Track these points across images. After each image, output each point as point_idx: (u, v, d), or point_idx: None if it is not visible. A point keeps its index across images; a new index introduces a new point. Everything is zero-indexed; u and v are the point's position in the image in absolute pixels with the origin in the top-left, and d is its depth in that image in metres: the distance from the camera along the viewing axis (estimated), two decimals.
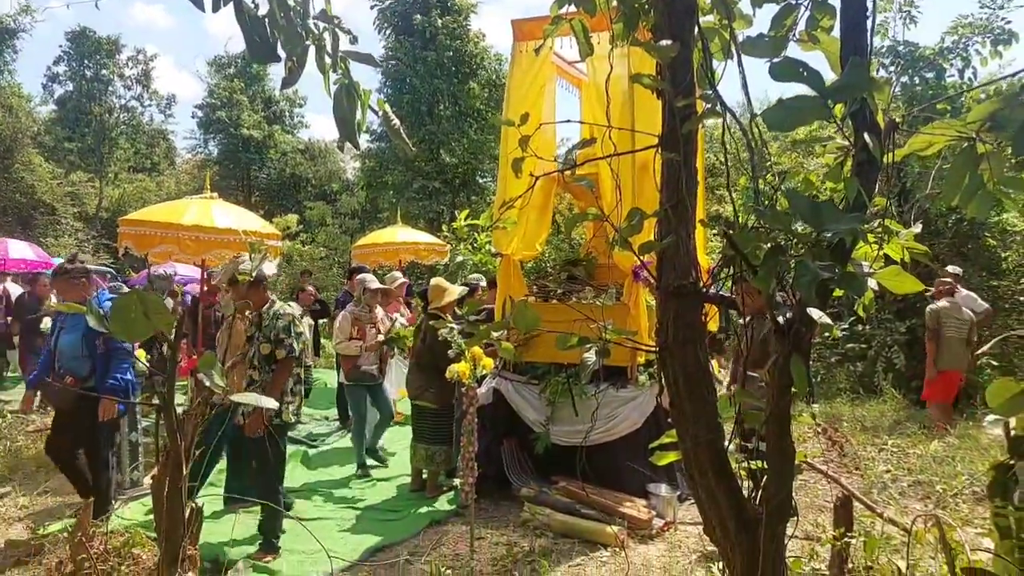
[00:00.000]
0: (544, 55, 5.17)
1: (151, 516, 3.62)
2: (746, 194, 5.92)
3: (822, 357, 9.87)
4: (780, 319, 1.50)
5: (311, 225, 22.77)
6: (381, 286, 6.53)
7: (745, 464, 1.86)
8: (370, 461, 6.30)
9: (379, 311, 6.45)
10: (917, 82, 8.81)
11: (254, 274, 4.29)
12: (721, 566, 2.92)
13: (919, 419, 7.33)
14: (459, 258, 9.02)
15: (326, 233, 21.91)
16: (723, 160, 1.77)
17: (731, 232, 1.38)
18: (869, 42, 1.53)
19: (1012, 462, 1.83)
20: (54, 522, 4.60)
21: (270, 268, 4.16)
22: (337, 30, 2.07)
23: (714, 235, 9.38)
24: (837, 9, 1.59)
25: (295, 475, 6.12)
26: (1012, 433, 1.88)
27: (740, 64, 1.81)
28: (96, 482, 4.49)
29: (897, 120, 1.55)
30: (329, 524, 4.87)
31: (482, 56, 20.63)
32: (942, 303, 7.06)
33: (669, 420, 2.10)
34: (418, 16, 19.66)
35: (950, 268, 7.40)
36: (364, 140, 23.59)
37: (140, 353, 5.48)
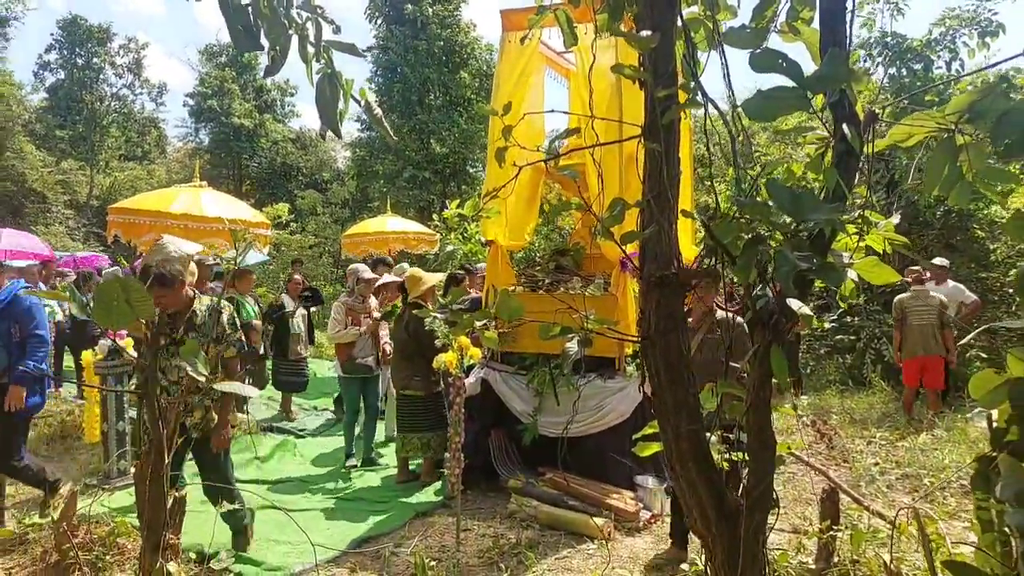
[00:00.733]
0: (532, 45, 5.14)
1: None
2: (734, 184, 5.92)
3: (812, 349, 9.94)
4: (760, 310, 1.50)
5: (302, 214, 22.68)
6: (395, 278, 6.45)
7: (727, 455, 1.86)
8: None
9: (372, 301, 6.43)
10: (905, 73, 8.83)
11: (160, 270, 3.54)
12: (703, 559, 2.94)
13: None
14: (449, 247, 9.01)
15: (316, 222, 21.84)
16: (713, 150, 1.77)
17: (710, 223, 1.38)
18: (848, 33, 1.52)
19: (995, 454, 1.84)
20: (38, 511, 4.57)
21: (255, 257, 4.08)
22: (320, 20, 2.05)
23: (701, 225, 9.39)
24: (816, 1, 1.58)
25: (282, 466, 6.12)
26: (995, 425, 1.89)
27: (723, 55, 1.81)
28: (24, 473, 4.40)
29: (877, 111, 1.54)
30: (316, 515, 4.87)
31: (473, 46, 20.54)
32: (906, 293, 7.25)
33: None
34: (409, 5, 19.53)
35: (937, 260, 7.47)
36: (355, 129, 23.50)
37: (128, 342, 5.43)
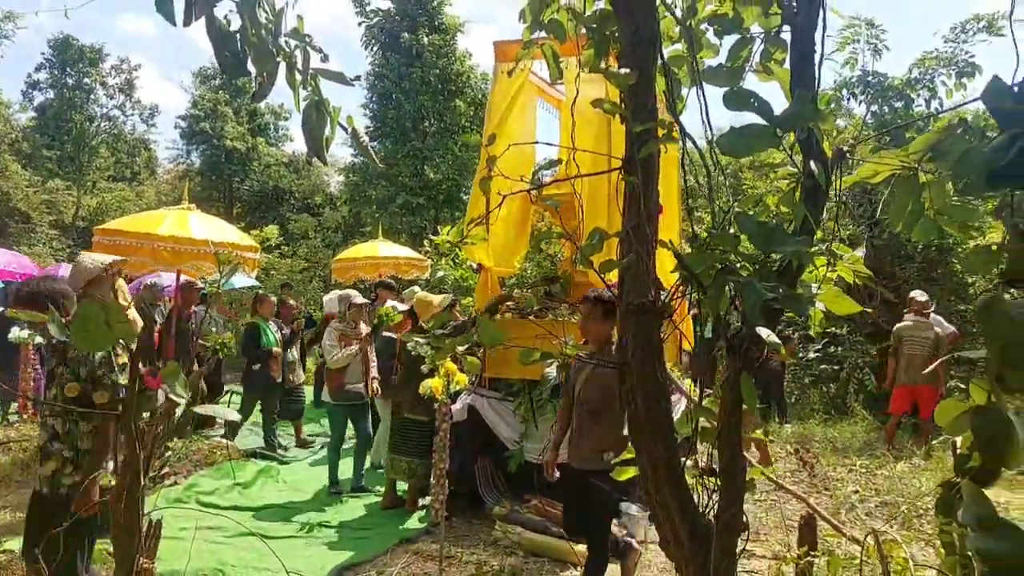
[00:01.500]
0: (524, 76, 5.25)
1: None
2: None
3: (796, 379, 10.02)
4: (731, 338, 1.55)
5: (293, 238, 22.67)
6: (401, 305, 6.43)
7: (701, 479, 1.90)
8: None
9: (363, 327, 6.39)
10: (887, 111, 9.06)
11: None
12: None
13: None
14: (440, 273, 9.05)
15: (308, 246, 21.83)
16: (702, 182, 1.83)
17: (680, 254, 1.43)
18: (817, 75, 1.60)
19: (958, 480, 1.88)
20: (13, 538, 4.49)
21: (242, 281, 4.06)
22: (308, 48, 2.12)
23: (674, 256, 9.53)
24: (788, 43, 1.66)
25: (264, 493, 6.06)
26: (958, 451, 1.94)
27: (701, 91, 1.88)
28: None
29: (846, 149, 1.61)
30: (296, 542, 4.83)
31: (468, 75, 20.81)
32: (903, 323, 7.32)
33: None
34: (405, 34, 19.81)
35: (915, 294, 7.62)
36: (348, 154, 23.65)
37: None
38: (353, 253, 11.53)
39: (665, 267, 2.15)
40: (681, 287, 1.73)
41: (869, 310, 7.01)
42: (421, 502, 5.52)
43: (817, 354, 9.42)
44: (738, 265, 1.49)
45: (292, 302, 8.55)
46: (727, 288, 1.44)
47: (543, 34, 2.32)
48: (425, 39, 19.81)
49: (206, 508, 5.27)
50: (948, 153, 1.52)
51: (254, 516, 5.41)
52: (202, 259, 6.72)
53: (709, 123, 1.87)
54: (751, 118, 1.41)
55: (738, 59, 1.79)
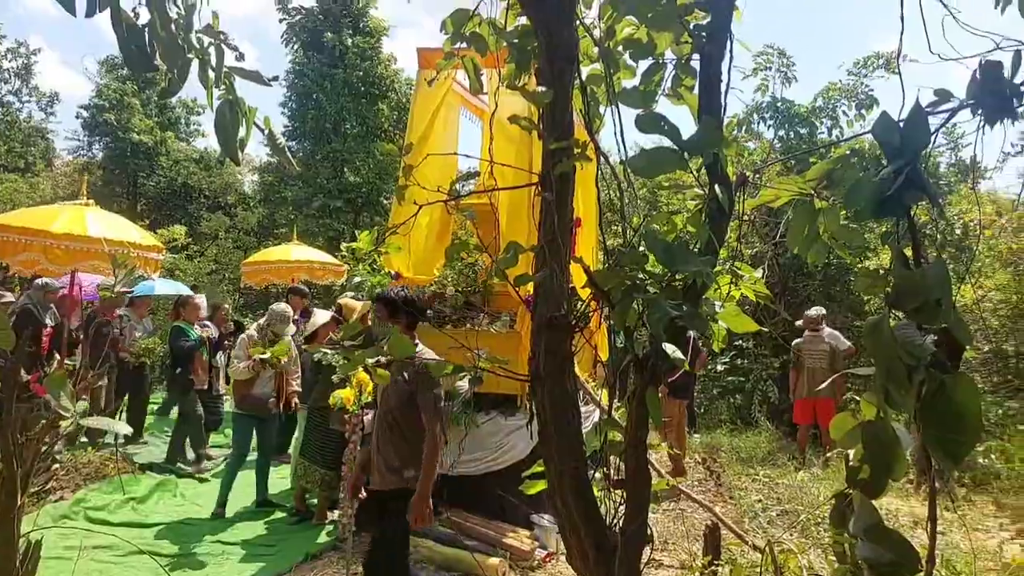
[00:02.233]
0: (447, 85, 5.24)
1: None
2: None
3: (706, 390, 10.40)
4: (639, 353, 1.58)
5: (203, 238, 21.65)
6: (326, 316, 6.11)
7: (608, 491, 1.93)
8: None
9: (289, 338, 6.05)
10: (792, 136, 9.62)
11: None
12: None
13: (790, 450, 7.86)
14: (356, 279, 8.85)
15: (218, 247, 20.91)
16: (621, 198, 1.86)
17: (589, 271, 1.45)
18: (724, 102, 1.67)
19: (850, 492, 2.00)
20: None
21: (144, 288, 3.85)
22: (223, 46, 2.03)
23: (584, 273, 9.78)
24: (696, 70, 1.72)
25: (160, 508, 5.72)
26: (850, 463, 2.05)
27: (617, 110, 1.93)
28: None
29: (748, 174, 1.69)
30: (194, 560, 4.57)
31: (393, 79, 20.57)
32: (801, 338, 7.80)
33: None
34: (328, 34, 19.39)
35: (812, 310, 8.07)
36: (263, 153, 22.86)
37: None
38: (264, 256, 11.12)
39: (582, 280, 2.19)
40: (593, 301, 1.76)
41: (765, 329, 7.40)
42: (330, 516, 5.36)
43: (725, 366, 9.82)
44: (647, 282, 1.53)
45: (225, 305, 8.17)
46: (636, 304, 1.48)
47: (465, 45, 2.32)
48: (349, 40, 19.46)
49: (95, 525, 4.92)
50: (841, 182, 1.62)
51: (148, 534, 5.09)
52: (99, 259, 6.30)
53: (623, 142, 1.92)
54: (666, 139, 1.46)
55: (651, 83, 1.85)
